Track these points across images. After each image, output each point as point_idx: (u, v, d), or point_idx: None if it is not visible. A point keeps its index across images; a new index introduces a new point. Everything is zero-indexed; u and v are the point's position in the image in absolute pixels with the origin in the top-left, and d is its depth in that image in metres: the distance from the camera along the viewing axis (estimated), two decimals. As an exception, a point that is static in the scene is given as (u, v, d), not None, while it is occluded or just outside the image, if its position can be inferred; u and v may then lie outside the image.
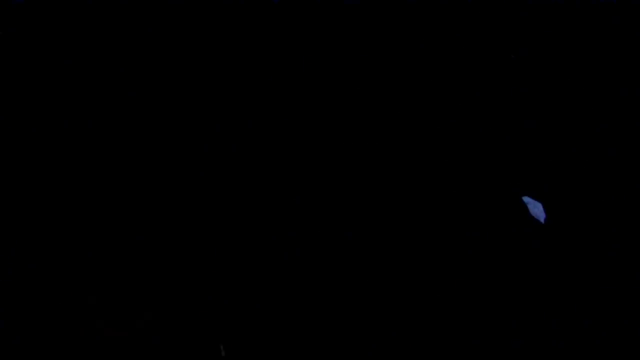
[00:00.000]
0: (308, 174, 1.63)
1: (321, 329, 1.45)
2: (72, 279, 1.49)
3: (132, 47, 1.61)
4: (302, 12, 1.57)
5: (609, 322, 1.44)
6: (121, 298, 1.49)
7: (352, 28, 1.69)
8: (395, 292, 1.54)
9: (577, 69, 1.72)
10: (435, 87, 1.83)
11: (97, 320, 1.46)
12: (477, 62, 1.79)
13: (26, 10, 1.53)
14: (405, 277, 1.55)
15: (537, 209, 1.74)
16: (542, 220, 1.73)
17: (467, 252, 1.60)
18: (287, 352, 1.45)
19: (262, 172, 1.60)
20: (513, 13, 1.67)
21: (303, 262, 1.54)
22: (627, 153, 1.67)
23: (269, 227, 1.54)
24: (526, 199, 1.75)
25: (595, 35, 1.66)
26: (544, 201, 1.79)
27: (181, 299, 1.50)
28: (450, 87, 1.92)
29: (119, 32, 1.59)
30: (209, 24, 1.56)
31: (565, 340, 1.43)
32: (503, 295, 1.53)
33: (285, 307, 1.46)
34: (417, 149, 2.14)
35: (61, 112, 1.56)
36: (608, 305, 1.47)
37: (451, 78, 1.83)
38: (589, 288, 1.51)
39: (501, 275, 1.57)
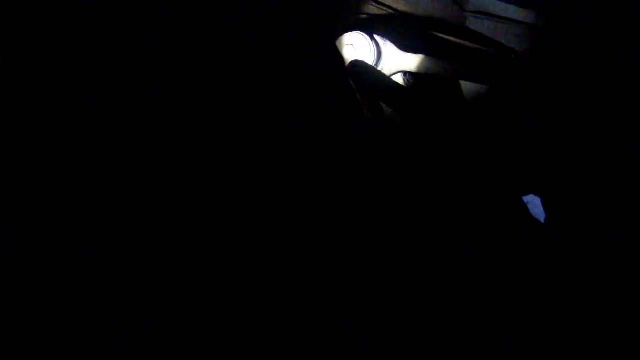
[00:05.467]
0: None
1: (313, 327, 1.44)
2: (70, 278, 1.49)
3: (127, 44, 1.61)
4: None
5: (609, 322, 1.44)
6: (118, 297, 1.48)
7: None
8: (394, 291, 1.54)
9: (575, 67, 1.72)
10: (438, 85, 1.83)
11: (98, 320, 1.46)
12: (477, 60, 1.78)
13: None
14: (404, 277, 1.55)
15: (537, 209, 1.74)
16: (542, 220, 1.73)
17: (467, 252, 1.60)
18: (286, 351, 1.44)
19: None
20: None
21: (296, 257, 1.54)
22: (628, 152, 1.67)
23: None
24: (526, 198, 1.75)
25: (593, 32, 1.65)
26: (544, 201, 1.79)
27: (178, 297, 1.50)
28: (450, 86, 1.91)
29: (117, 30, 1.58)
30: None
31: (565, 340, 1.43)
32: (502, 296, 1.53)
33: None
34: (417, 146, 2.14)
35: (60, 111, 1.55)
36: (608, 305, 1.47)
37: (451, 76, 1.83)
38: (589, 288, 1.51)
39: (501, 275, 1.57)
